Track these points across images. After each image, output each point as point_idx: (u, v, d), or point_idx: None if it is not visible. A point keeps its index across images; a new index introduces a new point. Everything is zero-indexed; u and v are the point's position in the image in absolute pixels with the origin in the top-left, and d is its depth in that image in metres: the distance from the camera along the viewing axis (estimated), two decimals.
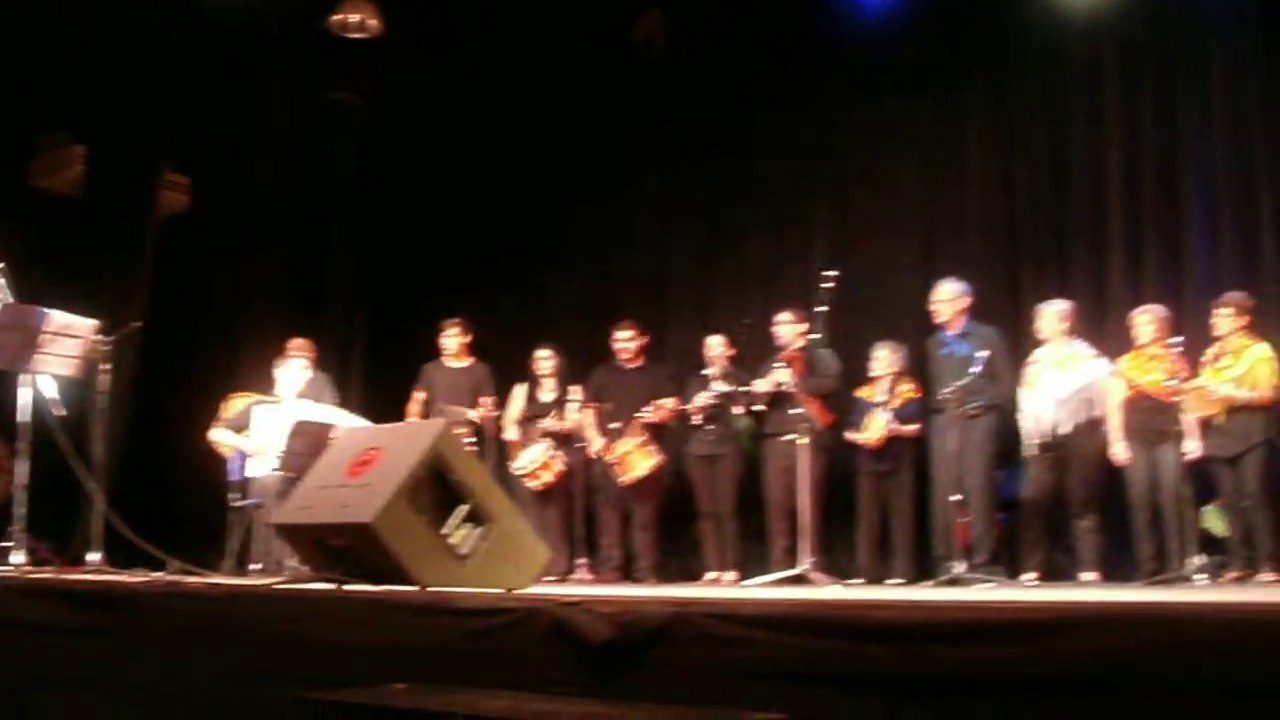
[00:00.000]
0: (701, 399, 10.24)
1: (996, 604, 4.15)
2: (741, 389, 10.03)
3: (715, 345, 10.43)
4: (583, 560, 10.47)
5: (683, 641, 3.97)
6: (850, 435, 9.87)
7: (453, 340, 10.82)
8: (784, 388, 9.57)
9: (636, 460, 10.26)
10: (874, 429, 9.73)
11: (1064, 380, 9.32)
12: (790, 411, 9.35)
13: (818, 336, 9.56)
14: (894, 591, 8.60)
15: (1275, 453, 9.13)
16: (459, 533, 5.68)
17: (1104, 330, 10.02)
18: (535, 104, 12.16)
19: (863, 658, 3.65)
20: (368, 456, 5.91)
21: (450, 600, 4.71)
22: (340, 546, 5.69)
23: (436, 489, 5.70)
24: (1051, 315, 9.50)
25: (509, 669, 4.22)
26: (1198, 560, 8.49)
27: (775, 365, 9.69)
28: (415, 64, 11.95)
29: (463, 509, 5.70)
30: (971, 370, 9.09)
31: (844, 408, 10.02)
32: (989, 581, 8.70)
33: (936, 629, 3.52)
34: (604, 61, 11.81)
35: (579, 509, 10.50)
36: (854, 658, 3.66)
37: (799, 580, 8.88)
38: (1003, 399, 9.46)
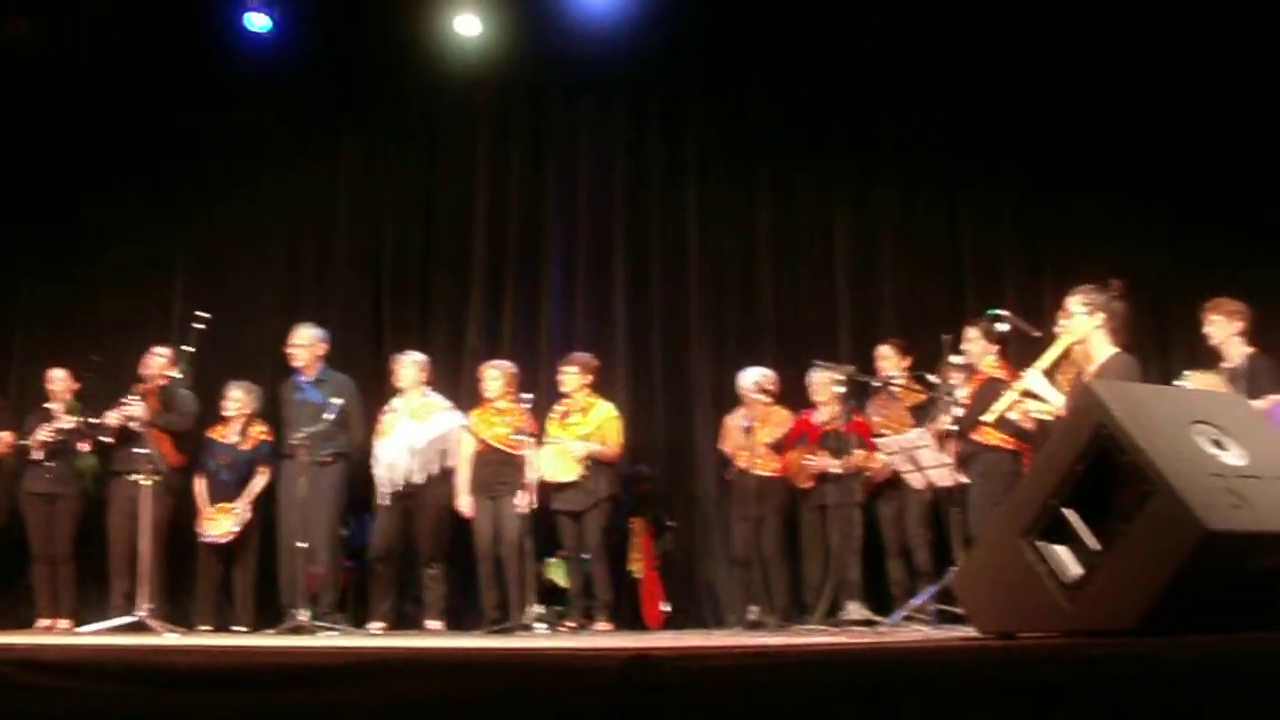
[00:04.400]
0: (44, 433, 9.62)
1: (294, 650, 4.06)
2: (91, 421, 9.49)
3: (58, 379, 9.80)
4: None
5: None
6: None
7: None
8: (135, 423, 9.14)
9: None
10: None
11: (418, 430, 9.35)
12: (136, 450, 8.93)
13: (179, 375, 9.21)
14: (226, 639, 8.41)
15: (617, 508, 9.56)
16: None
17: (460, 382, 10.20)
18: None
19: (163, 705, 3.47)
20: None
21: None
22: None
23: None
24: (409, 365, 9.52)
25: None
26: (537, 609, 8.73)
27: (130, 398, 9.25)
28: None
29: None
30: (328, 416, 8.98)
31: (196, 449, 9.67)
32: (333, 629, 8.62)
33: (235, 675, 3.40)
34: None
35: None
36: (155, 706, 3.48)
37: (137, 627, 8.49)
38: (353, 447, 9.38)
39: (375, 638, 8.68)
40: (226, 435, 9.62)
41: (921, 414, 8.79)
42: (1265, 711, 2.97)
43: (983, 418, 7.37)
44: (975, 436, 8.02)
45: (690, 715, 3.10)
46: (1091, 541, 4.45)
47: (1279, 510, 4.47)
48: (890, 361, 9.29)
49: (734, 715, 3.10)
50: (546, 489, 9.29)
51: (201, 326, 8.93)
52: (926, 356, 9.02)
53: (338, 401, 9.08)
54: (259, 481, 9.51)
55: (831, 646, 5.00)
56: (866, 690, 3.07)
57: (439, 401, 9.56)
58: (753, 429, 9.26)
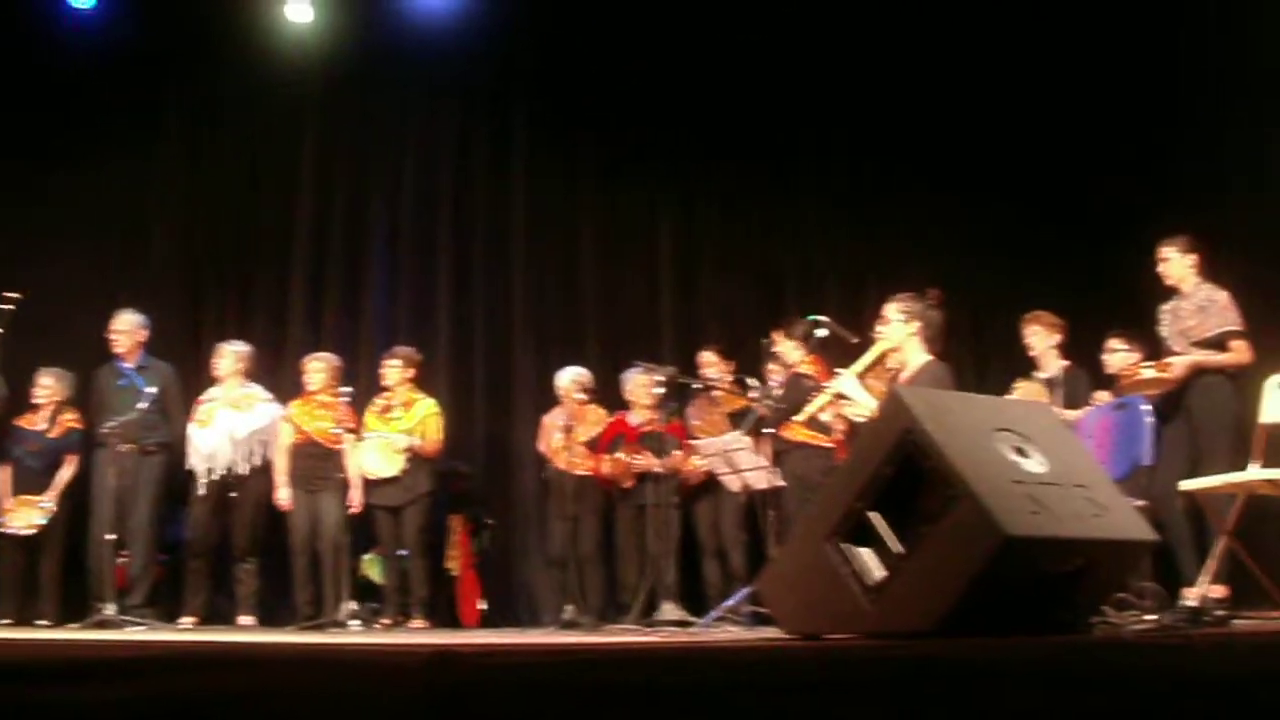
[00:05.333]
0: None
1: (95, 644, 3.98)
2: None
3: None
4: None
5: None
6: None
7: None
8: None
9: None
10: None
11: (238, 421, 9.21)
12: None
13: None
14: (27, 632, 8.26)
15: (435, 505, 9.52)
16: None
17: (280, 373, 10.08)
18: None
19: None
20: None
21: None
22: None
23: None
24: (230, 355, 9.36)
25: None
26: (352, 606, 8.65)
27: None
28: None
29: None
30: (141, 405, 8.80)
31: (2, 436, 9.38)
32: (140, 624, 8.43)
33: (32, 669, 3.32)
34: None
35: None
36: None
37: None
38: (173, 437, 9.18)
39: (184, 632, 8.54)
40: (35, 423, 9.36)
41: (740, 419, 8.86)
42: (1057, 709, 3.06)
43: (795, 418, 7.48)
44: (785, 434, 8.15)
45: (491, 710, 3.11)
46: (895, 545, 4.53)
47: (1076, 517, 4.60)
48: (714, 367, 9.38)
49: (534, 711, 3.12)
50: (365, 484, 9.23)
51: (10, 308, 8.68)
52: (749, 362, 9.12)
53: (151, 390, 8.91)
54: (66, 472, 9.26)
55: (632, 646, 5.03)
56: (663, 688, 3.10)
57: (259, 393, 9.42)
58: (572, 428, 9.26)
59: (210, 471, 9.17)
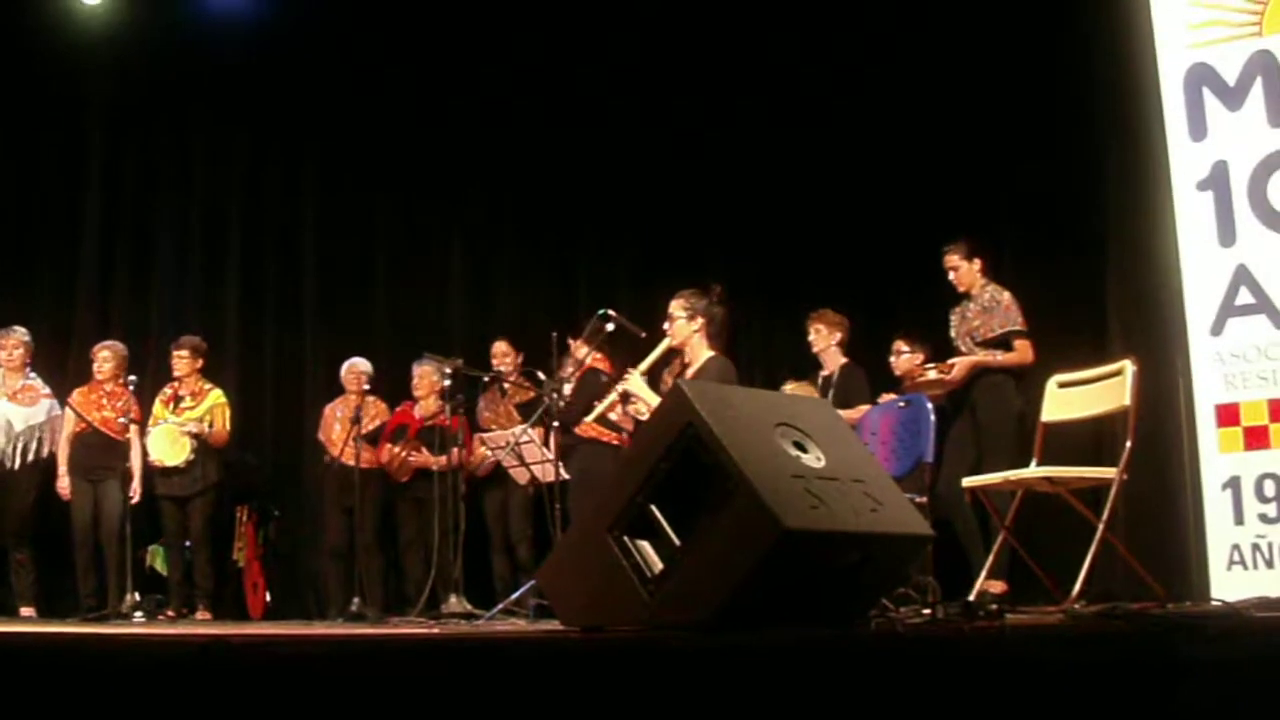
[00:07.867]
0: None
1: None
2: None
3: None
4: None
5: None
6: None
7: None
8: None
9: None
10: None
11: (16, 413, 9.01)
12: None
13: None
14: None
15: (222, 495, 9.41)
16: None
17: (66, 362, 9.85)
18: None
19: None
20: None
21: None
22: None
23: None
24: (12, 343, 9.13)
25: None
26: (135, 597, 8.50)
27: None
28: None
29: None
30: None
31: None
32: None
33: None
34: None
35: None
36: None
37: None
38: None
39: None
40: None
41: (529, 410, 8.86)
42: (827, 698, 3.14)
43: (586, 418, 7.50)
44: (576, 430, 8.19)
45: (260, 700, 3.10)
46: (674, 538, 4.56)
47: (854, 511, 4.68)
48: (505, 359, 9.40)
49: (304, 700, 3.12)
50: (151, 474, 9.08)
51: None
52: (539, 355, 9.11)
53: None
54: None
55: (407, 637, 5.00)
56: (433, 679, 3.12)
57: (40, 386, 9.21)
58: (358, 419, 9.21)
59: None
